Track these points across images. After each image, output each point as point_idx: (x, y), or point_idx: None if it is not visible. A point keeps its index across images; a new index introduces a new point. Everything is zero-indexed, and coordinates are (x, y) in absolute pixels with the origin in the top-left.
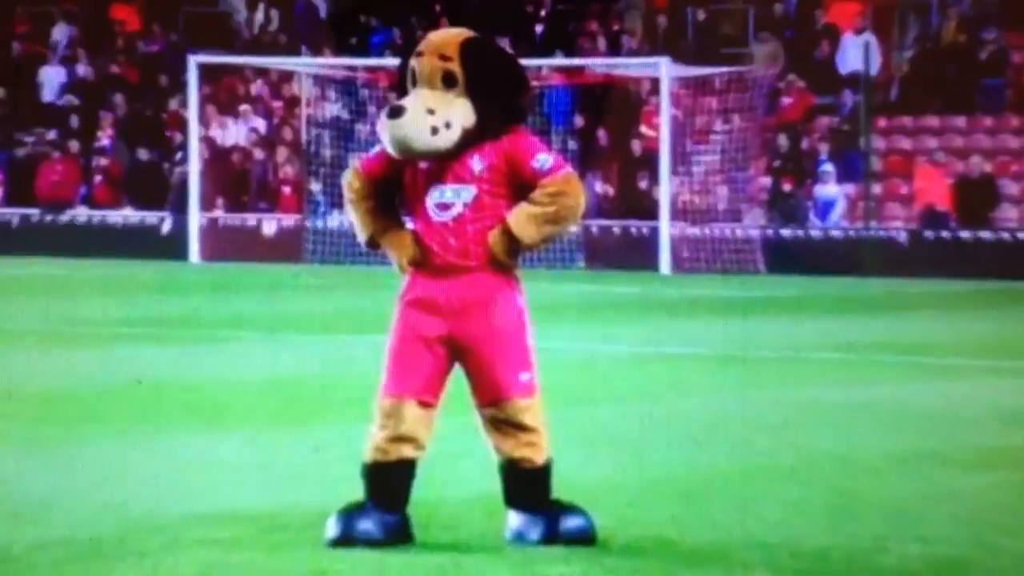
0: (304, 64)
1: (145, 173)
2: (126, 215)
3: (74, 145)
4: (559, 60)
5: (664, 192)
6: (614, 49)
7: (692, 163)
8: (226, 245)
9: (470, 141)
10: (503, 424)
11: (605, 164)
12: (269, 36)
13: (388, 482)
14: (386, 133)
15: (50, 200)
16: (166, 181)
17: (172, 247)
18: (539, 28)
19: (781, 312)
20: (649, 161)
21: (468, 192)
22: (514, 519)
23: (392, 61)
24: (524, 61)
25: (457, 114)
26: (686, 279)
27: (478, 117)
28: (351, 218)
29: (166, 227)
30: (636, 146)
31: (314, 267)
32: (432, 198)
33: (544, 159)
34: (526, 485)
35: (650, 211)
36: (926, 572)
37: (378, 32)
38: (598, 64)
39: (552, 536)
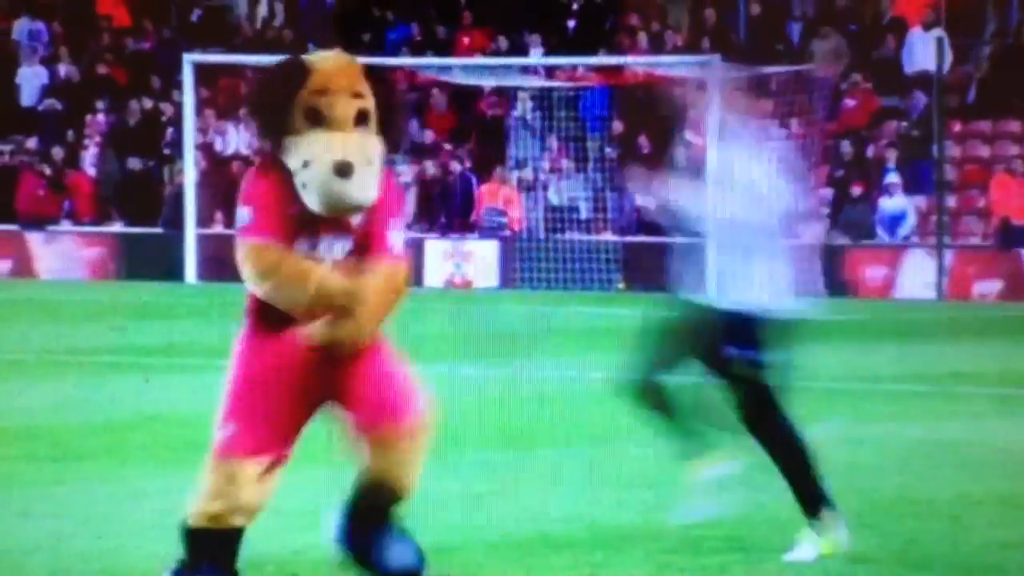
0: None
1: (136, 185)
2: (115, 231)
3: (57, 154)
4: (596, 59)
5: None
6: (657, 46)
7: None
8: (226, 264)
9: None
10: None
11: (647, 174)
12: (272, 32)
13: None
14: (333, 194)
15: (30, 215)
16: (159, 194)
17: (167, 266)
18: (571, 23)
19: (847, 337)
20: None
21: (344, 245)
22: None
23: (412, 60)
24: (558, 59)
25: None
26: None
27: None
28: (287, 292)
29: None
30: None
31: None
32: (300, 249)
33: (400, 238)
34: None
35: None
36: None
37: (395, 27)
38: (639, 63)
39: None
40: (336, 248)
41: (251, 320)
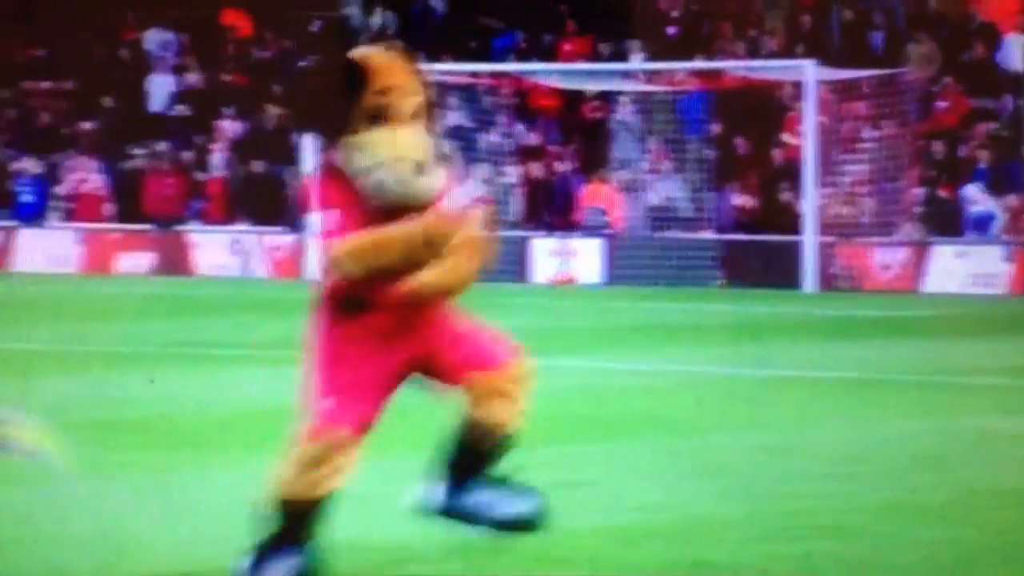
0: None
1: (260, 186)
2: (240, 231)
3: (185, 157)
4: (694, 63)
5: (809, 204)
6: (754, 51)
7: (839, 173)
8: None
9: None
10: None
11: (744, 175)
12: (386, 41)
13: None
14: (414, 191)
15: (160, 215)
16: (283, 195)
17: (290, 263)
18: (671, 29)
19: (938, 333)
20: (791, 171)
21: None
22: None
23: (517, 66)
24: (657, 64)
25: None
26: (831, 297)
27: None
28: (391, 257)
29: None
30: (777, 155)
31: None
32: None
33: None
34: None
35: (792, 225)
36: None
37: (501, 35)
38: (737, 67)
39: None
40: None
41: (328, 305)
